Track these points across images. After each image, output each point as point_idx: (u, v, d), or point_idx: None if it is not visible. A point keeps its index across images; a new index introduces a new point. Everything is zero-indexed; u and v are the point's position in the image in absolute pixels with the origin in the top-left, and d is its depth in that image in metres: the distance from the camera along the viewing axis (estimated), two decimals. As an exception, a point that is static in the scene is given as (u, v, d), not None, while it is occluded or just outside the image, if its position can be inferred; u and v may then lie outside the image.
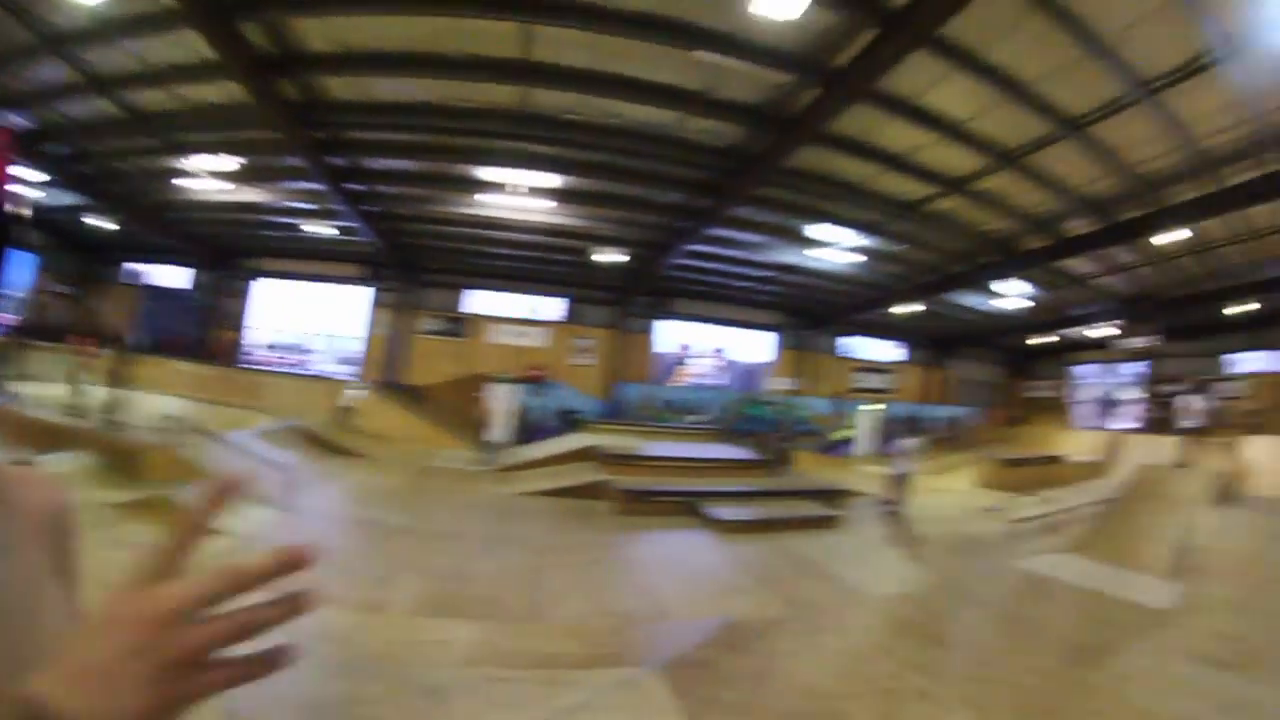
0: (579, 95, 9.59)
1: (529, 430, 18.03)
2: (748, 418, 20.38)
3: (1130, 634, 6.11)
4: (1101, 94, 9.13)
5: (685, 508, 10.05)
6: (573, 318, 20.63)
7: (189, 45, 9.27)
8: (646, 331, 21.09)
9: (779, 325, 22.98)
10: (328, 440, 14.60)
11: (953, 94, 9.29)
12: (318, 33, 8.84)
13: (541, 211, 13.92)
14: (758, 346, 23.38)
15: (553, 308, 20.56)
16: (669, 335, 21.94)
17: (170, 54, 9.82)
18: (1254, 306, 17.86)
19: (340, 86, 10.27)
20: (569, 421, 18.10)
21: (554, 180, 12.31)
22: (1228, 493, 12.27)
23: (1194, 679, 5.08)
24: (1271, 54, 7.77)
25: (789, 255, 16.11)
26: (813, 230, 13.99)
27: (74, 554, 0.77)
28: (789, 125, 9.71)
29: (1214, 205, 11.40)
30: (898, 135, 10.44)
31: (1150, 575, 8.28)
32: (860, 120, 9.90)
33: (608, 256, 16.15)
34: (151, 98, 11.19)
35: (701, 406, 20.44)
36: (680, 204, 12.97)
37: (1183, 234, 12.48)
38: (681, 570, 7.00)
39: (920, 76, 8.82)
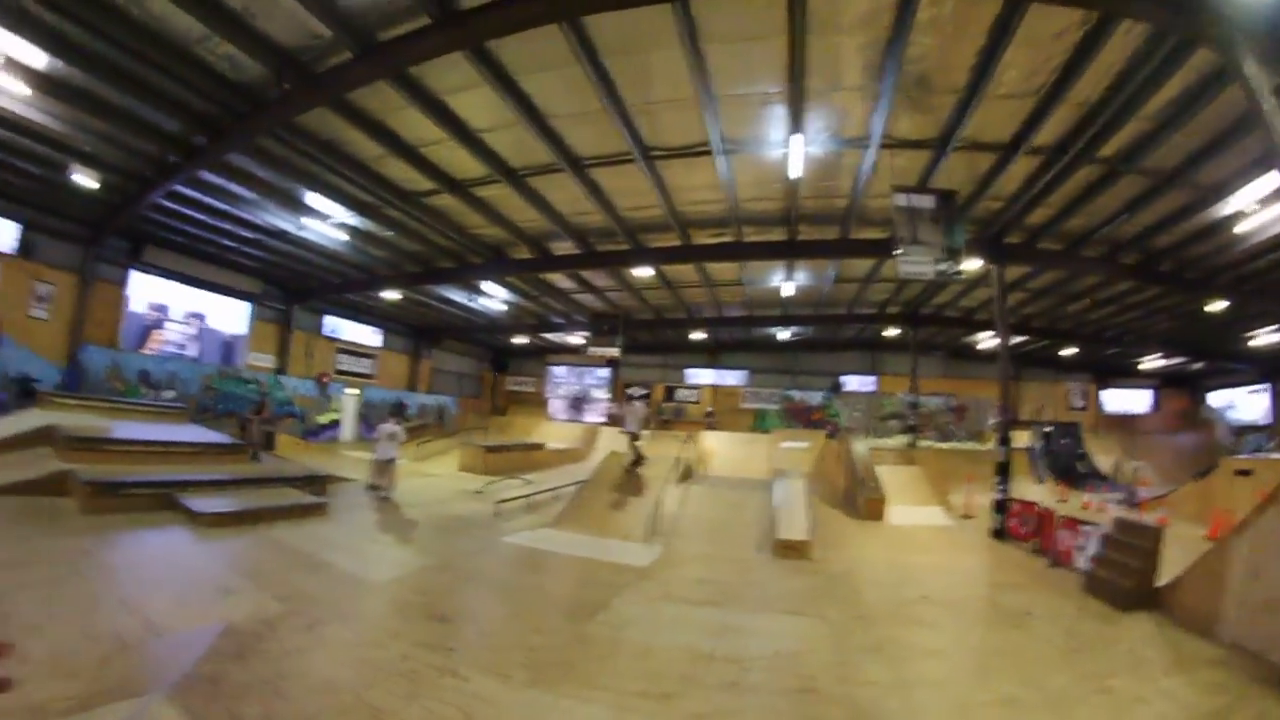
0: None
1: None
2: (226, 396, 18.90)
3: (619, 589, 7.69)
4: (608, 146, 11.13)
5: (162, 500, 9.38)
6: (28, 251, 15.55)
7: None
8: (120, 283, 17.36)
9: (262, 295, 21.01)
10: None
11: (478, 103, 9.95)
12: None
13: (12, 97, 10.62)
14: (237, 316, 20.90)
15: (8, 233, 15.30)
16: (143, 292, 18.56)
17: None
18: (704, 336, 25.00)
19: None
20: (23, 393, 14.37)
21: (40, 59, 9.55)
22: (688, 473, 16.43)
23: (681, 616, 6.76)
24: (754, 159, 11.16)
25: (282, 220, 15.44)
26: (310, 199, 13.67)
27: None
28: (313, 80, 9.31)
29: (680, 256, 15.69)
30: (415, 125, 10.71)
31: (629, 541, 10.54)
32: (383, 99, 9.99)
33: (86, 179, 13.13)
34: None
35: (176, 381, 18.15)
36: (177, 134, 11.31)
37: (649, 271, 16.22)
38: (166, 574, 6.66)
39: (453, 76, 9.29)
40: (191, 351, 19.14)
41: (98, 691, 3.89)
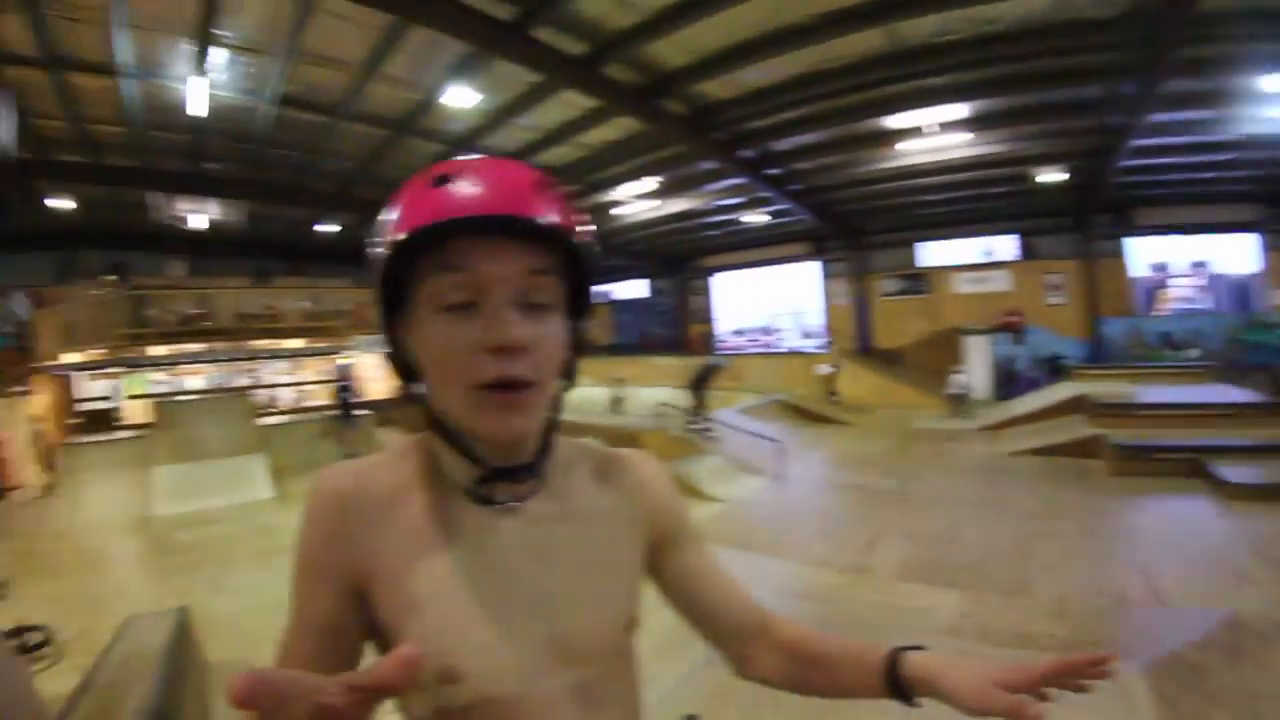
0: (942, 14, 8.73)
1: (1010, 383, 17.24)
2: (1255, 346, 15.98)
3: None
4: None
5: (1189, 466, 8.68)
6: (1030, 253, 18.34)
7: (571, 103, 11.11)
8: (1117, 254, 17.61)
9: (1262, 221, 16.87)
10: (809, 410, 16.03)
11: None
12: (671, 50, 9.61)
13: (961, 145, 13.10)
14: (1242, 252, 17.48)
15: (1007, 246, 18.59)
16: (1140, 255, 17.95)
17: (557, 115, 11.76)
18: None
19: (716, 88, 10.93)
20: (1053, 369, 16.64)
21: (960, 110, 11.48)
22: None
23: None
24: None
25: (1249, 124, 12.18)
26: (1271, 82, 10.36)
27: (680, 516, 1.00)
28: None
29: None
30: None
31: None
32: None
33: (1049, 176, 14.24)
34: (559, 154, 13.45)
35: (1193, 338, 16.65)
36: (1101, 97, 10.83)
37: None
38: (1182, 545, 6.23)
39: None
40: (1204, 304, 17.58)
41: (1083, 641, 4.17)
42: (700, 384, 13.01)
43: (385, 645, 0.81)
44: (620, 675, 0.89)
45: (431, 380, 0.79)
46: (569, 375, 0.86)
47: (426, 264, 0.75)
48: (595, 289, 0.85)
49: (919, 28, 9.22)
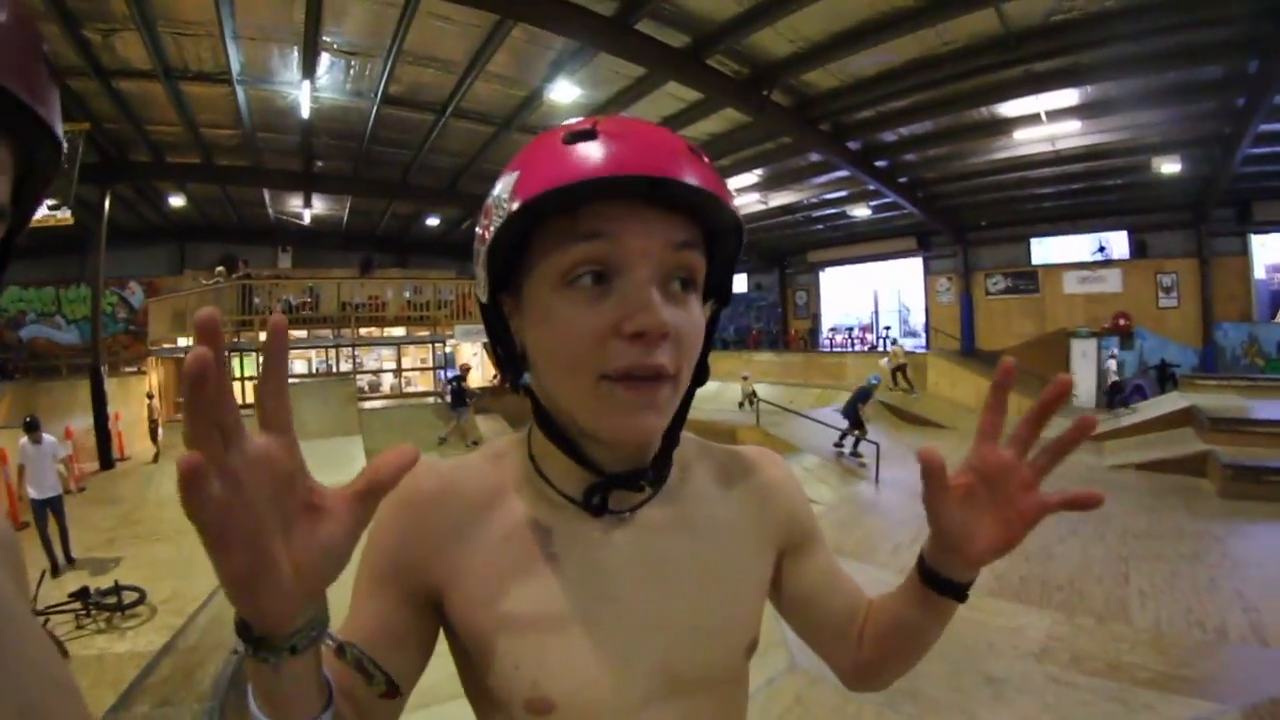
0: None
1: (1117, 390, 16.29)
2: None
3: None
4: None
5: None
6: (1141, 251, 17.02)
7: (674, 95, 11.03)
8: (1237, 253, 16.07)
9: None
10: (907, 412, 15.66)
11: None
12: (774, 40, 9.42)
13: (1072, 134, 12.44)
14: None
15: (1120, 243, 17.32)
16: (1265, 255, 16.27)
17: (661, 108, 11.64)
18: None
19: (822, 78, 10.70)
20: (1162, 377, 15.48)
21: (1072, 96, 10.97)
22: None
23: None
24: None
25: None
26: None
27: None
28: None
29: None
30: None
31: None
32: None
33: (1165, 166, 13.26)
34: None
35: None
36: (1223, 78, 10.01)
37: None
38: None
39: None
40: None
41: (1180, 678, 3.93)
42: (857, 409, 11.74)
43: (470, 668, 0.72)
44: (732, 701, 0.79)
45: (544, 369, 0.68)
46: (703, 369, 0.73)
47: (550, 232, 0.64)
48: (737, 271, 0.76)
49: (1030, 8, 8.78)
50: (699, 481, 0.81)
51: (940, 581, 0.74)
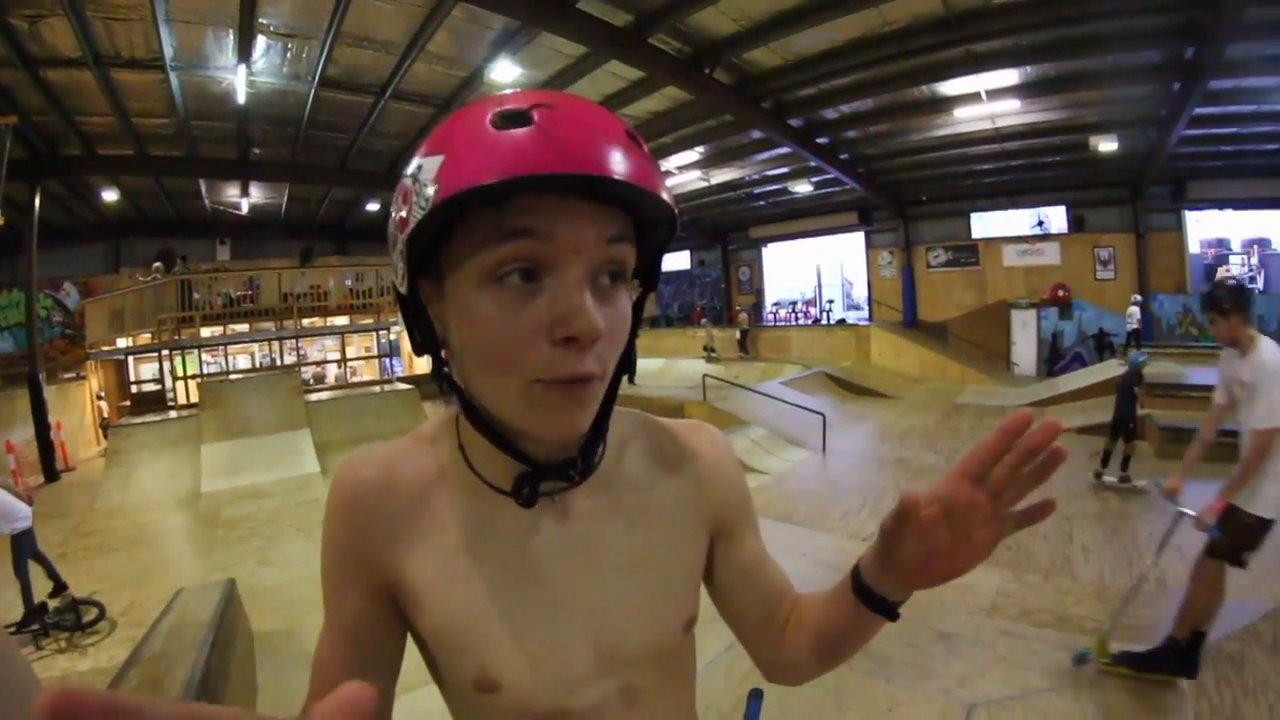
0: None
1: (1057, 359, 16.88)
2: None
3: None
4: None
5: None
6: (1079, 225, 17.64)
7: (616, 74, 11.00)
8: (1171, 229, 16.81)
9: None
10: (853, 383, 15.93)
11: None
12: (717, 19, 9.44)
13: (1012, 113, 12.82)
14: None
15: (1058, 218, 17.93)
16: (1199, 230, 17.07)
17: (603, 87, 11.58)
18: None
19: (765, 56, 10.77)
20: (1100, 346, 16.31)
21: (1012, 76, 11.27)
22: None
23: None
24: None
25: None
26: None
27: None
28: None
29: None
30: None
31: None
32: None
33: (1104, 145, 13.77)
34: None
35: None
36: (1161, 63, 10.42)
37: None
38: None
39: None
40: (1258, 283, 16.70)
41: (1122, 625, 4.07)
42: (1133, 403, 8.59)
43: (427, 653, 0.75)
44: (673, 674, 0.81)
45: (470, 366, 0.66)
46: (630, 358, 0.72)
47: (475, 224, 0.60)
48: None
49: (970, -11, 8.96)
50: (633, 462, 0.81)
51: (874, 598, 0.73)
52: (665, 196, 0.62)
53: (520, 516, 0.73)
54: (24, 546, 5.49)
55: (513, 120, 0.58)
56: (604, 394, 0.68)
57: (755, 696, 1.00)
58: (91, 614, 5.58)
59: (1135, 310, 13.65)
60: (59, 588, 5.68)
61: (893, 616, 0.73)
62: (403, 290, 0.68)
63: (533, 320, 0.60)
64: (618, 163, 0.58)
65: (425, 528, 0.72)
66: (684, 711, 0.85)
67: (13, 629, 5.24)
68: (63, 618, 5.46)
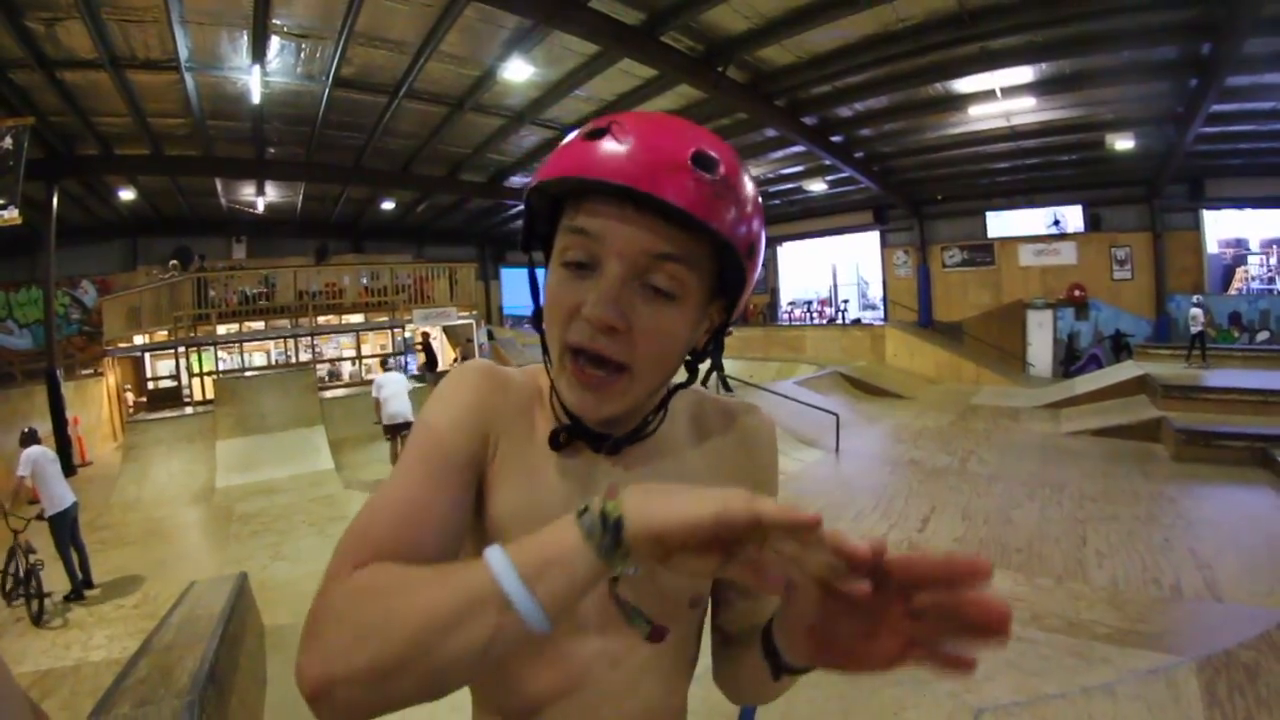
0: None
1: (1073, 359, 16.74)
2: None
3: None
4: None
5: (1254, 455, 8.29)
6: (1096, 225, 17.45)
7: (629, 73, 10.93)
8: (1192, 228, 16.56)
9: None
10: (868, 383, 15.82)
11: None
12: (730, 16, 9.38)
13: (1028, 111, 12.72)
14: None
15: (1074, 217, 17.74)
16: (1218, 230, 16.78)
17: (616, 86, 11.59)
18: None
19: (778, 53, 10.71)
20: (1116, 347, 16.16)
21: (1028, 74, 11.17)
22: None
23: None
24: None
25: None
26: None
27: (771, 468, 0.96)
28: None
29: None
30: None
31: None
32: None
33: (1120, 143, 13.62)
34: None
35: (1270, 320, 15.68)
36: (1177, 59, 10.32)
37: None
38: (1243, 539, 5.93)
39: None
40: (1278, 283, 16.39)
41: (1136, 632, 4.06)
42: None
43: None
44: (666, 651, 0.85)
45: (546, 322, 0.77)
46: (693, 370, 0.83)
47: (567, 212, 0.73)
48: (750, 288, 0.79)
49: (986, -15, 8.86)
50: (681, 429, 0.90)
51: (778, 659, 0.73)
52: (714, 224, 0.67)
53: (586, 452, 0.83)
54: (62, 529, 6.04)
55: (594, 134, 0.69)
56: (640, 393, 0.75)
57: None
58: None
59: (1199, 313, 13.38)
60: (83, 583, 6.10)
61: (802, 671, 0.73)
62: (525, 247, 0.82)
63: (573, 298, 0.70)
64: (665, 181, 0.65)
65: (520, 432, 0.83)
66: (671, 696, 0.89)
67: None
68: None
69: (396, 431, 9.81)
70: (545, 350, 0.79)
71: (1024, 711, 3.23)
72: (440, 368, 15.46)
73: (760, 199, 0.75)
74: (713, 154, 0.68)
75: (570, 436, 0.81)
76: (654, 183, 0.64)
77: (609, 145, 0.67)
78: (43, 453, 6.29)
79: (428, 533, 0.70)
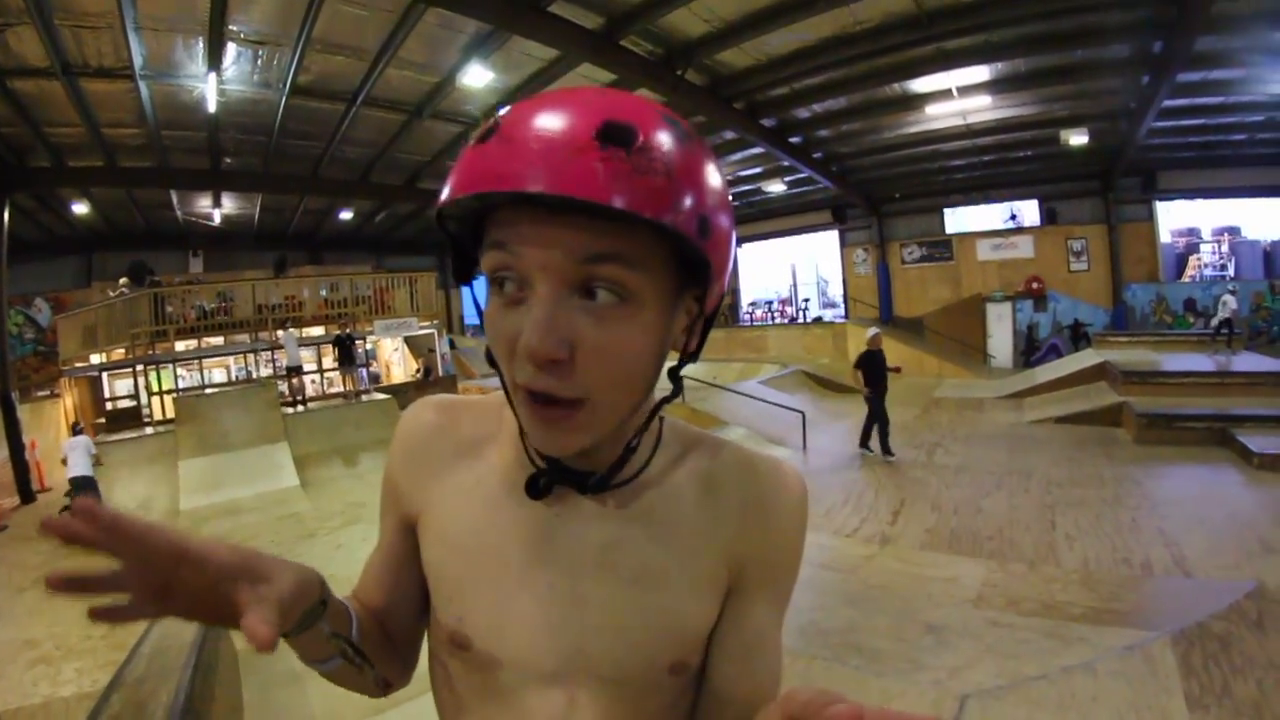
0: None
1: (1033, 350, 17.13)
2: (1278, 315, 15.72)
3: None
4: None
5: (1215, 435, 8.54)
6: (1053, 218, 17.98)
7: (588, 77, 10.82)
8: (1143, 219, 17.16)
9: None
10: (831, 381, 15.92)
11: None
12: (689, 20, 9.47)
13: (984, 109, 13.04)
14: (1273, 218, 16.72)
15: (1031, 212, 18.30)
16: (1171, 220, 17.46)
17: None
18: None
19: (736, 56, 10.81)
20: (1075, 336, 16.62)
21: (983, 73, 11.42)
22: None
23: None
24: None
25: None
26: None
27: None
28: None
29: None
30: None
31: None
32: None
33: (1075, 138, 14.03)
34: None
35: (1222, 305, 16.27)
36: (1129, 56, 10.64)
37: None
38: (1207, 515, 6.09)
39: None
40: (1229, 270, 17.05)
41: (1110, 611, 4.14)
42: None
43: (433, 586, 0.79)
44: (650, 713, 0.74)
45: (495, 359, 0.64)
46: (677, 381, 0.70)
47: (486, 229, 0.60)
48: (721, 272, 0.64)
49: (941, -14, 9.03)
50: (683, 478, 0.75)
51: None
52: (618, 204, 0.52)
53: (551, 495, 0.71)
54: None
55: (488, 134, 0.57)
56: (607, 421, 0.63)
57: None
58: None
59: (1230, 299, 13.62)
60: None
61: None
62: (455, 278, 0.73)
63: (511, 328, 0.58)
64: (567, 172, 0.52)
65: (462, 477, 0.76)
66: None
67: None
68: None
69: None
70: (504, 386, 0.66)
71: (1008, 694, 3.26)
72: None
73: (712, 162, 0.61)
74: (627, 122, 0.54)
75: (551, 482, 0.69)
76: (553, 177, 0.51)
77: (496, 148, 0.55)
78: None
79: (401, 578, 0.82)
